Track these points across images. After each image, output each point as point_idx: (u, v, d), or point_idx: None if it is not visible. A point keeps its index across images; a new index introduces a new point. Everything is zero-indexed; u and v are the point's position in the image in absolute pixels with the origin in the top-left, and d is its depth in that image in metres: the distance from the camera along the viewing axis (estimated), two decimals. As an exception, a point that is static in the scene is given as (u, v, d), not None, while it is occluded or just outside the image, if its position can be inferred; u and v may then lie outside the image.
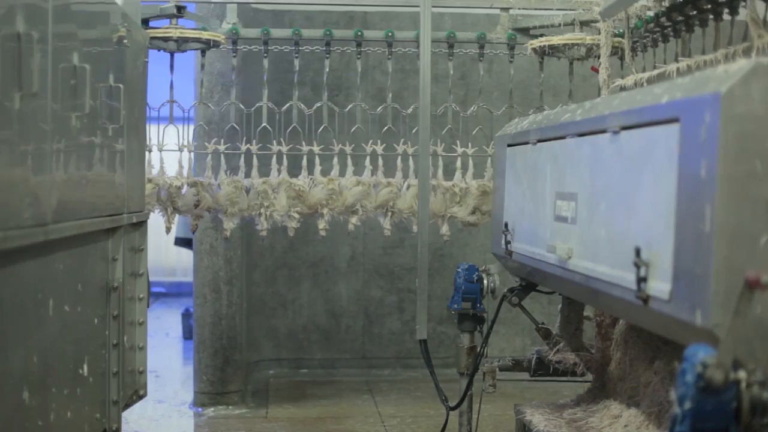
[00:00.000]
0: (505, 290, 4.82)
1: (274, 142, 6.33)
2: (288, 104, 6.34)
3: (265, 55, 6.34)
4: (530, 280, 4.63)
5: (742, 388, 2.08)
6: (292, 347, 8.79)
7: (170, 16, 5.95)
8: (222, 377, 7.60)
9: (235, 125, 6.39)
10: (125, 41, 4.28)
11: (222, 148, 6.27)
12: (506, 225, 4.39)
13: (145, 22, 5.85)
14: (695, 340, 2.30)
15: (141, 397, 4.92)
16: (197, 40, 6.02)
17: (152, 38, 5.68)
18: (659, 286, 2.66)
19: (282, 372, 8.68)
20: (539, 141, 3.98)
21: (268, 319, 8.71)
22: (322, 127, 6.38)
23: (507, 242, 4.36)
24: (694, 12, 4.21)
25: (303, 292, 8.78)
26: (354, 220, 6.32)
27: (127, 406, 4.64)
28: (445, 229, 6.38)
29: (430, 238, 6.03)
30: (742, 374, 2.09)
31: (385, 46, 6.50)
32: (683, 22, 4.34)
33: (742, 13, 3.86)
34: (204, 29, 6.10)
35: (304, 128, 6.35)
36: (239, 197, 6.20)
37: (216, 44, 6.14)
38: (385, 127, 6.49)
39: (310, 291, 8.80)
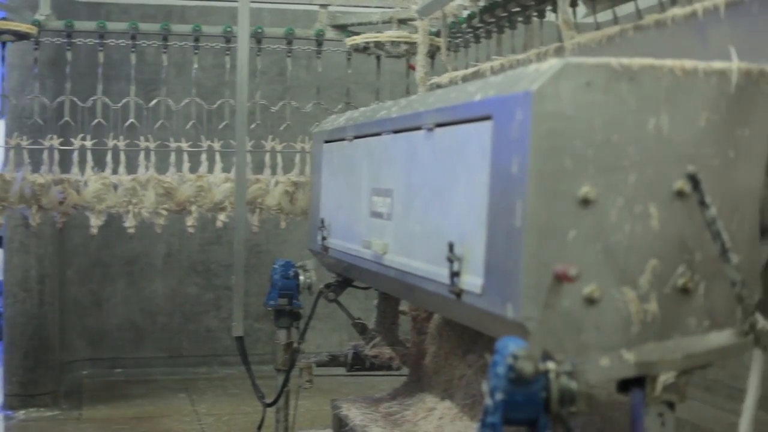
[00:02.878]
0: (322, 286, 4.83)
1: (141, 138, 6.19)
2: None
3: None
4: (347, 276, 4.65)
5: (551, 378, 2.13)
6: (107, 347, 8.60)
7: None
8: (33, 379, 7.38)
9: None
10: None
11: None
12: (322, 221, 4.39)
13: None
14: (506, 332, 2.34)
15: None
16: (6, 31, 5.82)
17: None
18: (472, 281, 2.71)
19: (97, 372, 8.49)
20: (356, 137, 4.00)
21: (82, 319, 8.50)
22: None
23: (323, 238, 4.37)
24: (507, 13, 4.32)
25: (118, 290, 8.61)
26: (222, 216, 6.24)
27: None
28: (255, 219, 6.36)
29: (247, 234, 5.99)
30: (551, 365, 2.14)
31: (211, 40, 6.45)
32: (497, 22, 4.44)
33: (554, 15, 3.98)
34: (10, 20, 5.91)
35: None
36: (107, 194, 6.03)
37: (27, 36, 5.94)
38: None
39: (125, 289, 8.63)
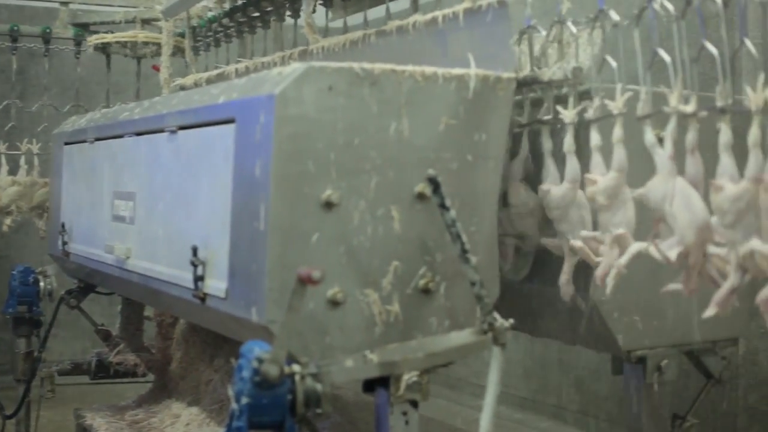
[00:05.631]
0: (63, 292, 4.69)
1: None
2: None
3: None
4: (89, 282, 4.53)
5: (296, 380, 2.13)
6: None
7: None
8: None
9: None
10: None
11: None
12: (63, 225, 4.25)
13: None
14: (252, 336, 2.33)
15: None
16: None
17: None
18: (216, 285, 2.68)
19: None
20: (97, 139, 3.89)
21: None
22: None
23: (64, 243, 4.23)
24: (252, 15, 4.31)
25: None
26: (8, 221, 5.88)
27: None
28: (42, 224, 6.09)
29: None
30: (296, 368, 2.14)
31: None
32: (242, 25, 4.43)
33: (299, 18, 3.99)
34: None
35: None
36: None
37: None
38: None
39: None
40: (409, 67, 2.54)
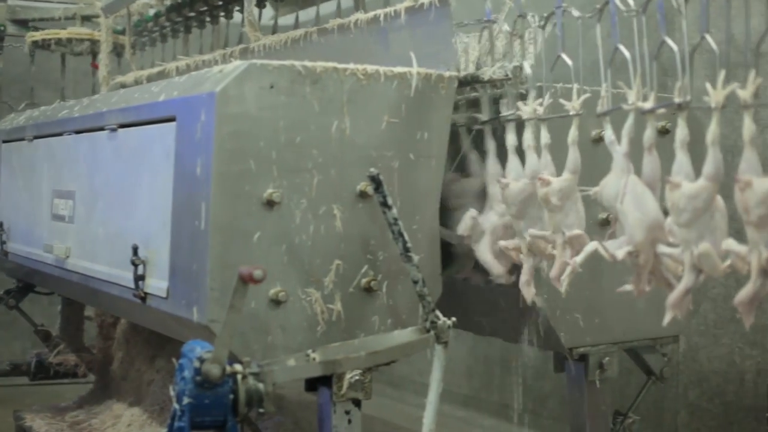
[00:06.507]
0: (2, 292, 4.64)
1: None
2: None
3: None
4: (28, 281, 4.48)
5: (238, 380, 2.12)
6: None
7: None
8: None
9: None
10: None
11: None
12: (1, 224, 4.19)
13: None
14: (193, 336, 2.32)
15: None
16: None
17: None
18: (157, 284, 2.66)
19: None
20: (36, 137, 3.84)
21: None
22: None
23: (3, 242, 4.17)
24: (193, 13, 4.28)
25: None
26: None
27: None
28: None
29: None
30: (238, 367, 2.13)
31: None
32: (184, 22, 4.39)
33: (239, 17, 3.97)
34: None
35: None
36: None
37: None
38: None
39: None
40: (351, 66, 2.53)
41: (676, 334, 3.19)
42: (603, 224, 2.82)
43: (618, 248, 2.23)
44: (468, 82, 2.78)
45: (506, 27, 2.79)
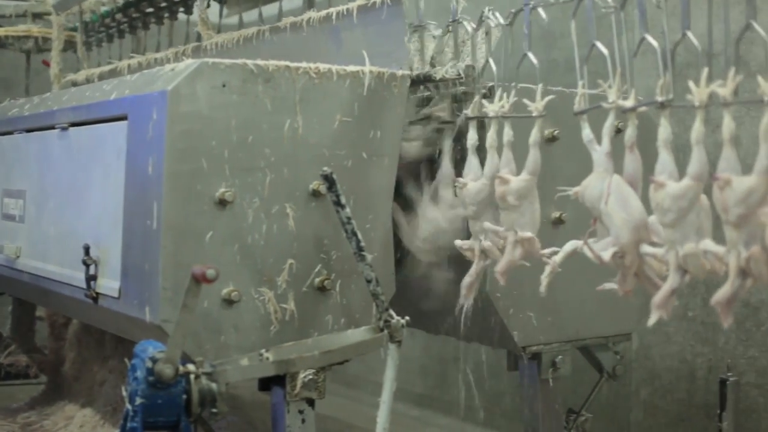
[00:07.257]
0: (-50, 295, 4.58)
1: None
2: None
3: None
4: (-22, 282, 4.42)
5: (191, 380, 2.11)
6: None
7: None
8: None
9: None
10: None
11: None
12: (-50, 224, 4.15)
13: None
14: (145, 336, 2.31)
15: None
16: None
17: None
18: (109, 284, 2.64)
19: None
20: (-15, 136, 3.80)
21: None
22: None
23: (-48, 242, 4.12)
24: (146, 11, 4.26)
25: None
26: None
27: None
28: None
29: None
30: (191, 367, 2.12)
31: None
32: (136, 20, 4.37)
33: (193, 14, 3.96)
34: None
35: None
36: None
37: None
38: None
39: None
40: (304, 64, 2.53)
41: (629, 332, 3.22)
42: (556, 223, 2.84)
43: (603, 249, 2.21)
44: (421, 81, 2.79)
45: (470, 25, 2.76)
